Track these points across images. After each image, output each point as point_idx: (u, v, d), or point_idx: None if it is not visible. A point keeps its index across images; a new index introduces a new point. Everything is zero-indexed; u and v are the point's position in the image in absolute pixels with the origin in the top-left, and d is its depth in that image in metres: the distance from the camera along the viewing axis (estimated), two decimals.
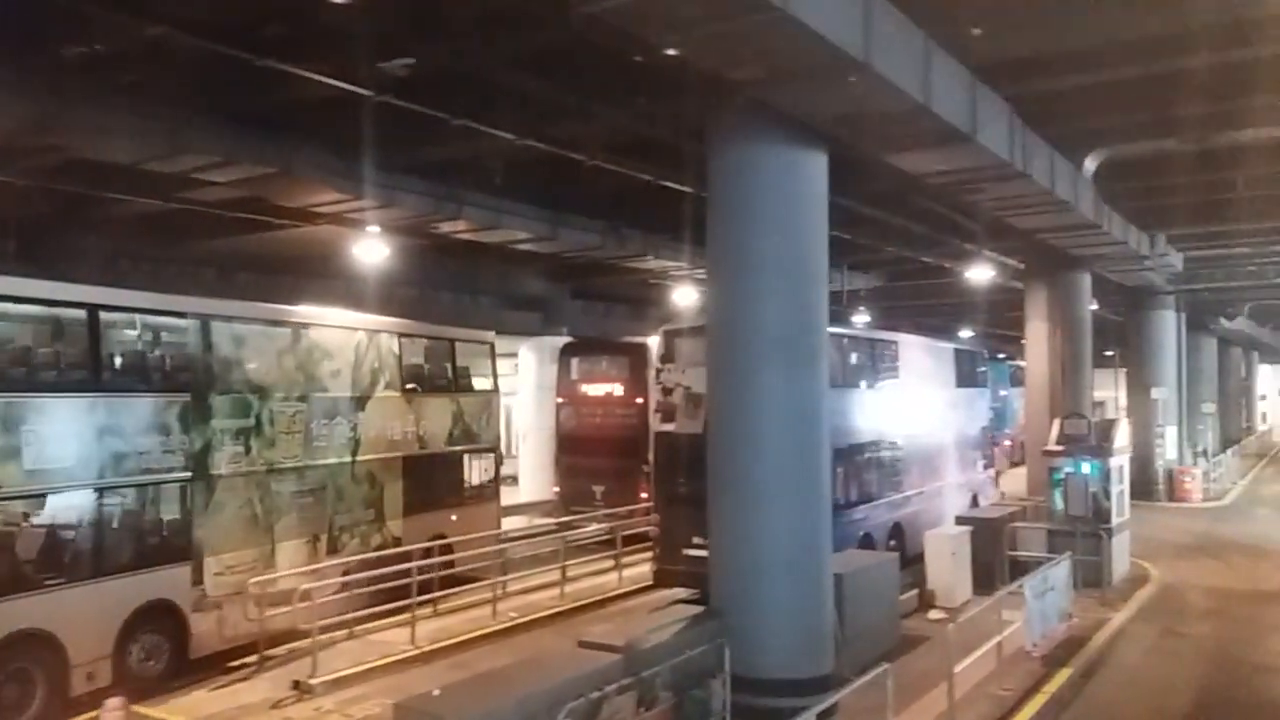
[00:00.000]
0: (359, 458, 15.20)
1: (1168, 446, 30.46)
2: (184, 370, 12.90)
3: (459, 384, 18.17)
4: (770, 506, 10.45)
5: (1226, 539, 23.28)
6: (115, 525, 11.86)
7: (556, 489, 23.71)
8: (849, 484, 17.23)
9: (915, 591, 15.84)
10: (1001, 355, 42.73)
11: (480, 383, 18.80)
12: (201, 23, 9.62)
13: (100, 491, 11.55)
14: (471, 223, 16.85)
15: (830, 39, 7.57)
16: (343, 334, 15.40)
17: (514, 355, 29.05)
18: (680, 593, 15.52)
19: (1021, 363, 27.48)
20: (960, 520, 17.94)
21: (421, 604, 14.47)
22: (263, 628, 12.82)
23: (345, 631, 13.97)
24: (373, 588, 14.49)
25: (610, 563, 18.23)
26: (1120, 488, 17.66)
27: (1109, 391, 37.76)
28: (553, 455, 24.28)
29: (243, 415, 13.23)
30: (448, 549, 16.26)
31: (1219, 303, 35.40)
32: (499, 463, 18.94)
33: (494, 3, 9.86)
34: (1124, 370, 33.32)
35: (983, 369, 25.08)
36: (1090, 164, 15.58)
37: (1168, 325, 30.95)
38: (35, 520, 11.27)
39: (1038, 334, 21.79)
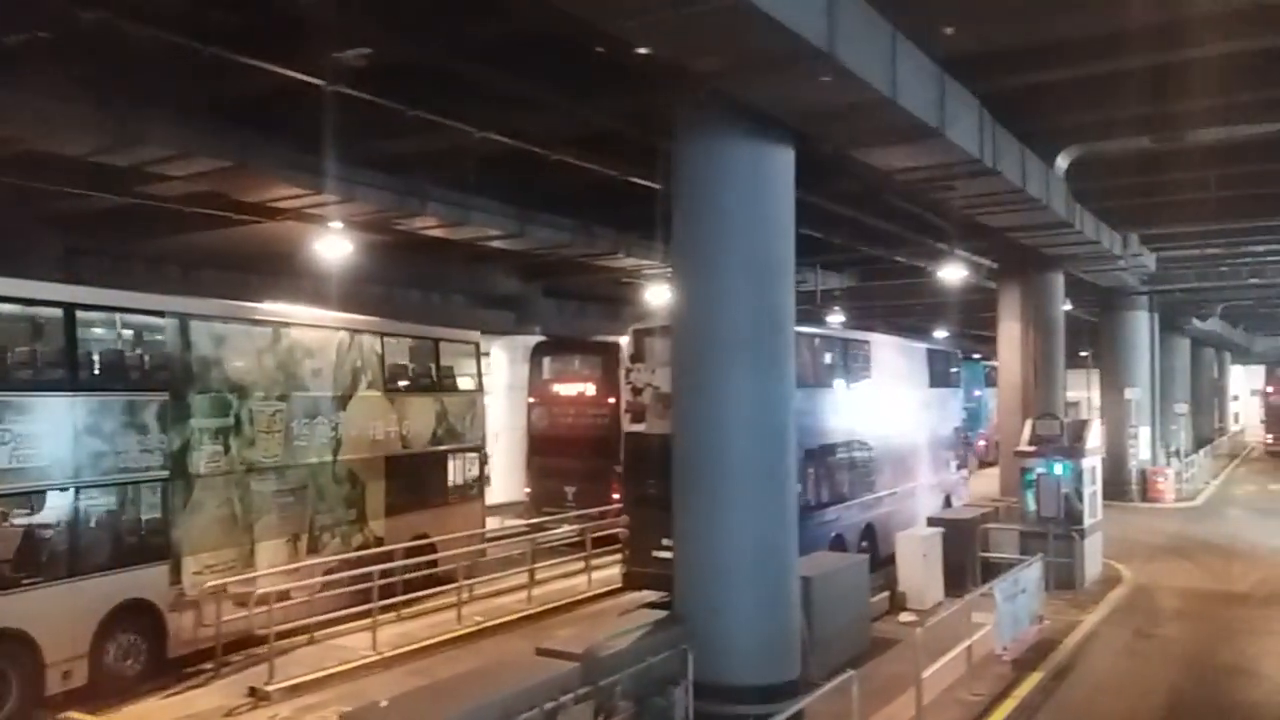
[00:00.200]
0: (340, 457, 15.14)
1: (1141, 447, 30.54)
2: (162, 369, 12.85)
3: (443, 384, 18.12)
4: (735, 509, 10.23)
5: (1198, 539, 23.31)
6: (92, 524, 11.83)
7: (528, 490, 23.43)
8: (820, 485, 17.12)
9: (886, 594, 15.71)
10: (977, 356, 42.79)
11: (465, 382, 18.74)
12: (142, 8, 9.28)
13: (76, 491, 11.51)
14: (436, 219, 16.54)
15: (792, 28, 7.35)
16: (324, 333, 15.36)
17: (486, 354, 28.73)
18: (649, 595, 15.34)
19: (996, 363, 27.45)
20: (932, 521, 17.81)
21: (384, 609, 14.16)
22: (219, 630, 12.64)
23: (306, 636, 13.69)
24: (332, 591, 14.25)
25: (581, 565, 17.97)
26: (1092, 489, 17.58)
27: (1083, 392, 37.85)
28: (524, 456, 23.98)
29: (222, 414, 13.19)
30: (431, 549, 16.30)
31: (1192, 303, 35.52)
32: (484, 462, 18.86)
33: None
34: (1098, 371, 33.37)
35: (956, 369, 25.01)
36: (1062, 162, 15.45)
37: (1141, 326, 31.02)
38: (11, 519, 11.38)
39: (1010, 334, 21.70)
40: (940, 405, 23.11)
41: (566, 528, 19.47)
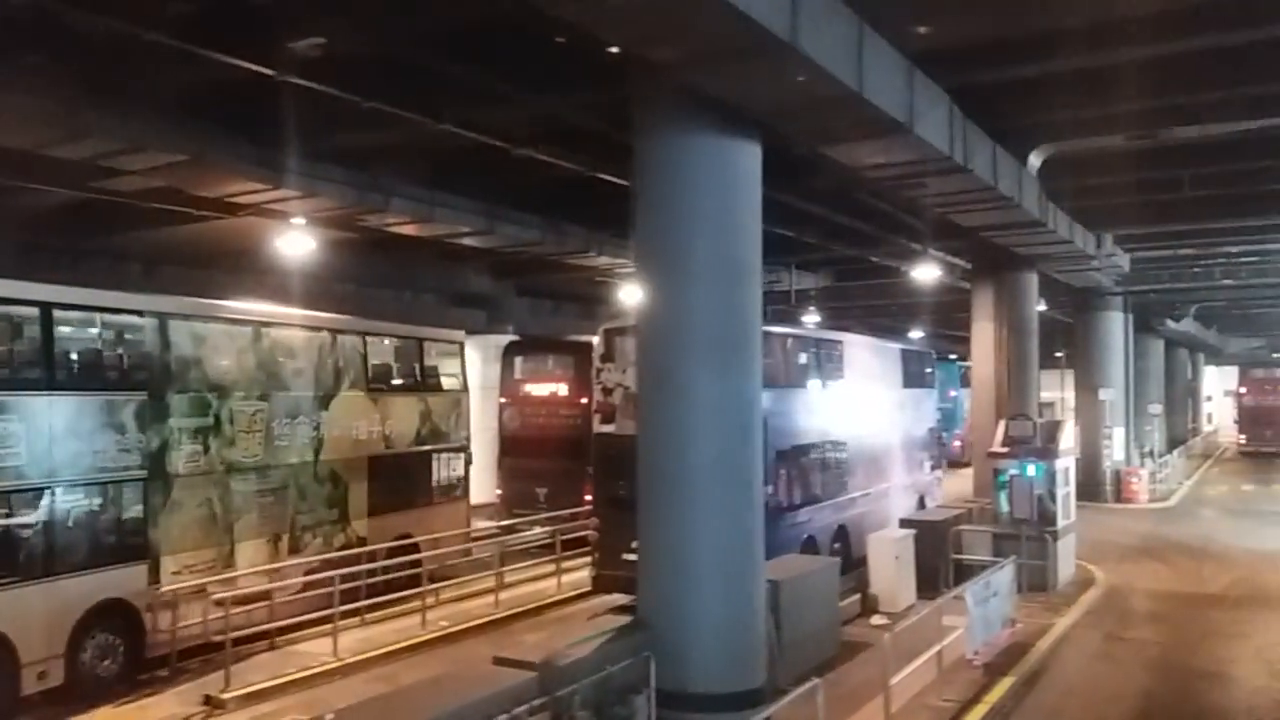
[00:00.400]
0: (322, 457, 15.09)
1: (1115, 447, 30.59)
2: (141, 369, 12.84)
3: (427, 383, 18.10)
4: (700, 512, 10.00)
5: (1172, 540, 23.30)
6: (69, 524, 11.74)
7: (499, 491, 23.15)
8: (792, 486, 17.00)
9: (858, 596, 15.55)
10: (953, 356, 42.81)
11: (449, 382, 18.70)
12: None
13: (53, 490, 11.46)
14: (400, 215, 16.20)
15: (753, 17, 7.09)
16: (305, 333, 15.38)
17: None
18: (619, 599, 15.11)
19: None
20: (904, 523, 17.70)
21: (347, 613, 13.94)
22: (174, 635, 12.44)
23: (267, 642, 13.43)
24: (297, 596, 14.01)
25: (552, 567, 17.72)
26: (1065, 490, 17.48)
27: (1059, 393, 37.93)
28: (496, 457, 23.70)
29: (201, 414, 13.17)
30: (414, 549, 16.31)
31: (1166, 304, 35.66)
32: (468, 463, 18.75)
33: None
34: (1072, 371, 33.42)
35: (931, 370, 24.94)
36: (1035, 160, 15.31)
37: (1115, 326, 31.09)
38: None
39: (984, 334, 21.58)
40: (914, 406, 23.05)
41: (538, 530, 19.21)
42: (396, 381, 17.47)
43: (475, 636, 14.68)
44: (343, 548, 15.21)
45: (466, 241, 19.17)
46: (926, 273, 22.33)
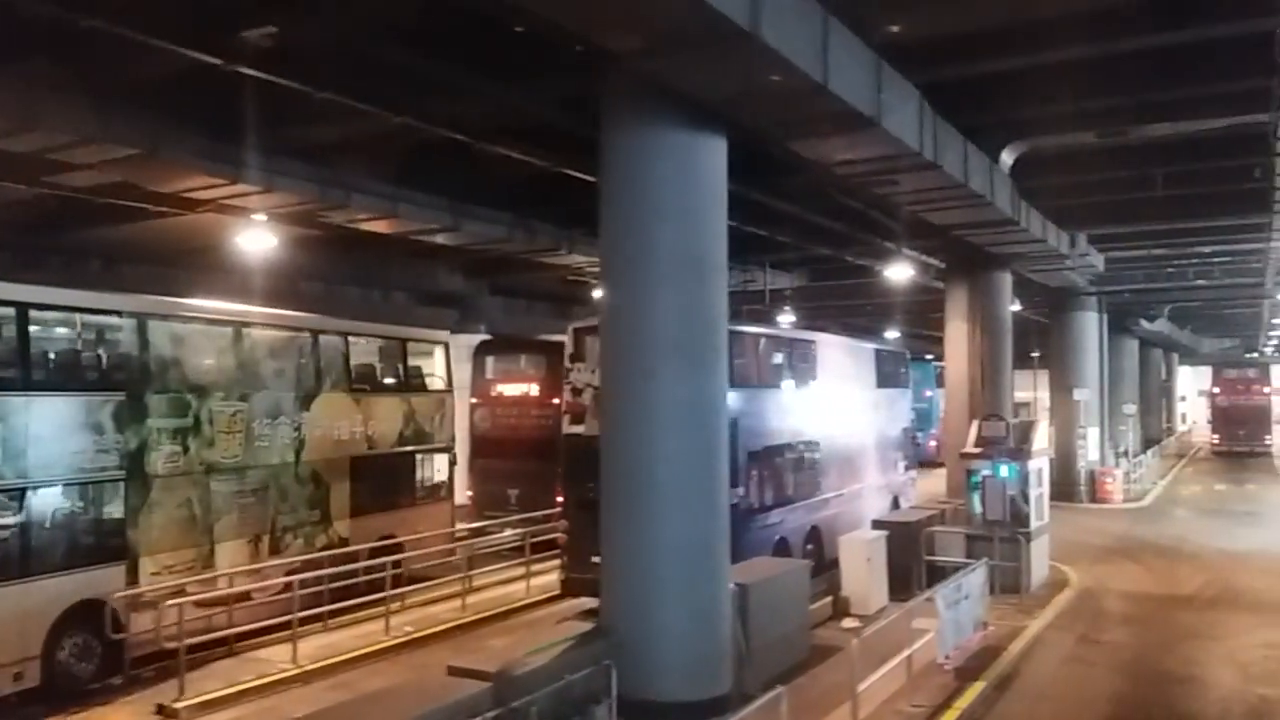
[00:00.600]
0: (304, 458, 15.06)
1: (1089, 447, 30.60)
2: (119, 369, 12.82)
3: (411, 384, 18.08)
4: (664, 515, 9.79)
5: (1145, 541, 23.28)
6: (46, 525, 11.72)
7: (469, 493, 22.87)
8: (763, 487, 16.82)
9: (829, 599, 15.37)
10: (929, 357, 42.80)
11: (433, 382, 18.68)
12: None
13: (29, 490, 11.44)
14: (363, 211, 15.85)
15: (711, 4, 6.85)
16: (286, 333, 15.44)
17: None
18: (588, 603, 14.80)
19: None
20: (877, 524, 17.52)
21: (306, 619, 13.60)
22: (127, 640, 12.12)
23: (226, 648, 13.11)
24: (255, 601, 13.73)
25: (522, 570, 17.48)
26: (1039, 491, 17.35)
27: (1035, 393, 37.96)
28: (467, 458, 23.42)
29: (180, 415, 13.14)
30: (398, 549, 16.30)
31: (1140, 304, 35.73)
32: (453, 463, 18.76)
33: None
34: (1047, 372, 33.44)
35: (905, 370, 24.82)
36: (1007, 157, 15.14)
37: (1090, 326, 31.10)
38: None
39: (957, 334, 21.43)
40: (888, 406, 22.93)
41: (509, 532, 18.95)
42: (380, 382, 17.46)
43: (441, 642, 14.39)
44: (324, 548, 15.15)
45: (434, 239, 18.84)
46: (900, 272, 22.19)
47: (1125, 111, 13.62)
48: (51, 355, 12.52)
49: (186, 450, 13.16)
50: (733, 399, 15.86)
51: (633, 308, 9.91)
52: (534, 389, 22.18)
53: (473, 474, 22.74)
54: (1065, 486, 29.28)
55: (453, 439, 18.92)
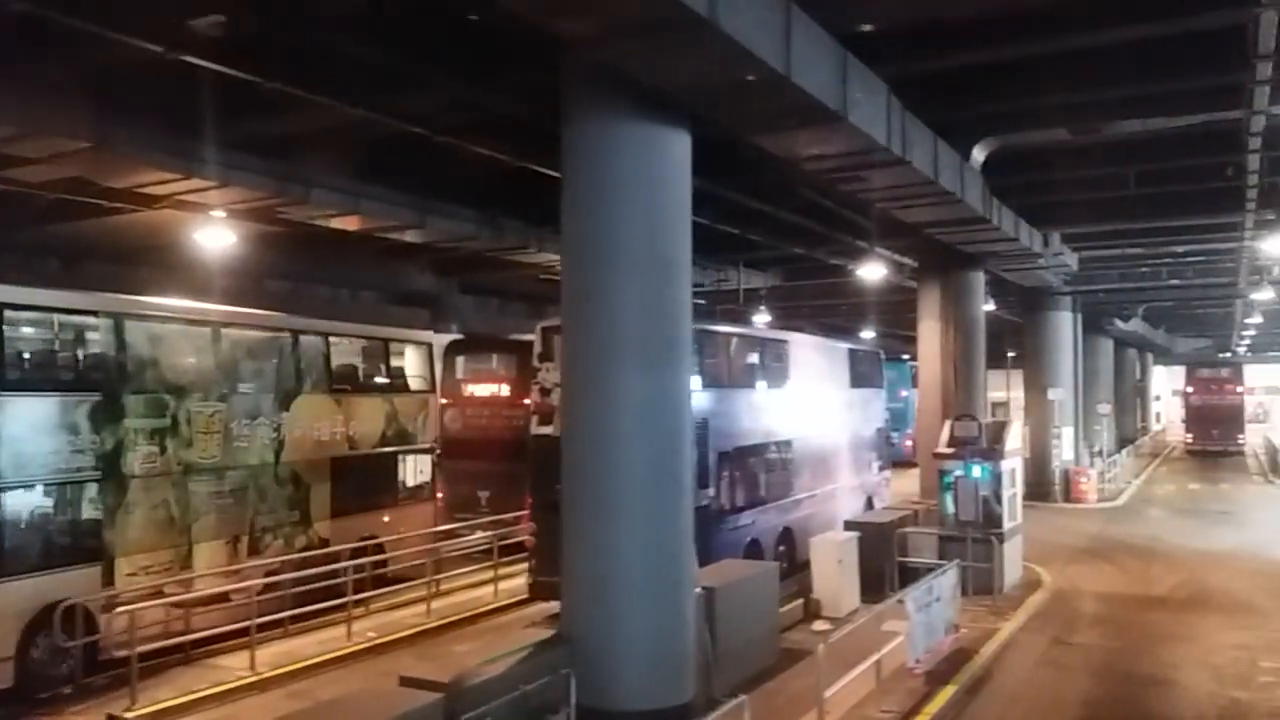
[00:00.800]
0: (283, 459, 15.03)
1: (1064, 447, 30.60)
2: (95, 369, 12.81)
3: (393, 384, 18.08)
4: (625, 518, 9.52)
5: (1119, 540, 23.23)
6: (19, 525, 11.70)
7: (440, 495, 22.56)
8: (735, 488, 16.65)
9: (800, 601, 15.17)
10: (905, 356, 42.76)
11: (416, 383, 18.63)
12: None
13: (2, 491, 11.40)
14: (323, 207, 15.50)
15: None
16: (265, 334, 15.44)
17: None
18: (557, 607, 14.51)
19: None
20: (849, 525, 17.32)
21: (265, 626, 13.31)
22: (78, 647, 11.75)
23: (181, 654, 12.82)
24: (215, 606, 13.40)
25: (490, 573, 17.21)
26: (1012, 491, 17.20)
27: (1011, 392, 38.00)
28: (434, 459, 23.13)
29: (157, 415, 13.10)
30: (379, 549, 16.42)
31: (1114, 304, 35.78)
32: (435, 464, 18.75)
33: None
34: (1021, 372, 33.44)
35: (879, 369, 24.68)
36: (979, 154, 14.95)
37: (1064, 326, 31.10)
38: None
39: (930, 333, 21.27)
40: (862, 406, 22.80)
41: (480, 534, 18.69)
42: (361, 383, 17.46)
43: (404, 648, 14.11)
44: (305, 549, 15.12)
45: (399, 236, 18.51)
46: (873, 271, 22.05)
47: (1097, 107, 13.46)
48: (26, 355, 12.43)
49: (164, 451, 13.13)
50: (703, 399, 15.77)
51: (594, 304, 9.64)
52: (505, 389, 21.85)
53: (442, 475, 22.46)
54: (1040, 486, 29.31)
55: (436, 439, 18.88)
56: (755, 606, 12.55)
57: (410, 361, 18.78)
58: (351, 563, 14.99)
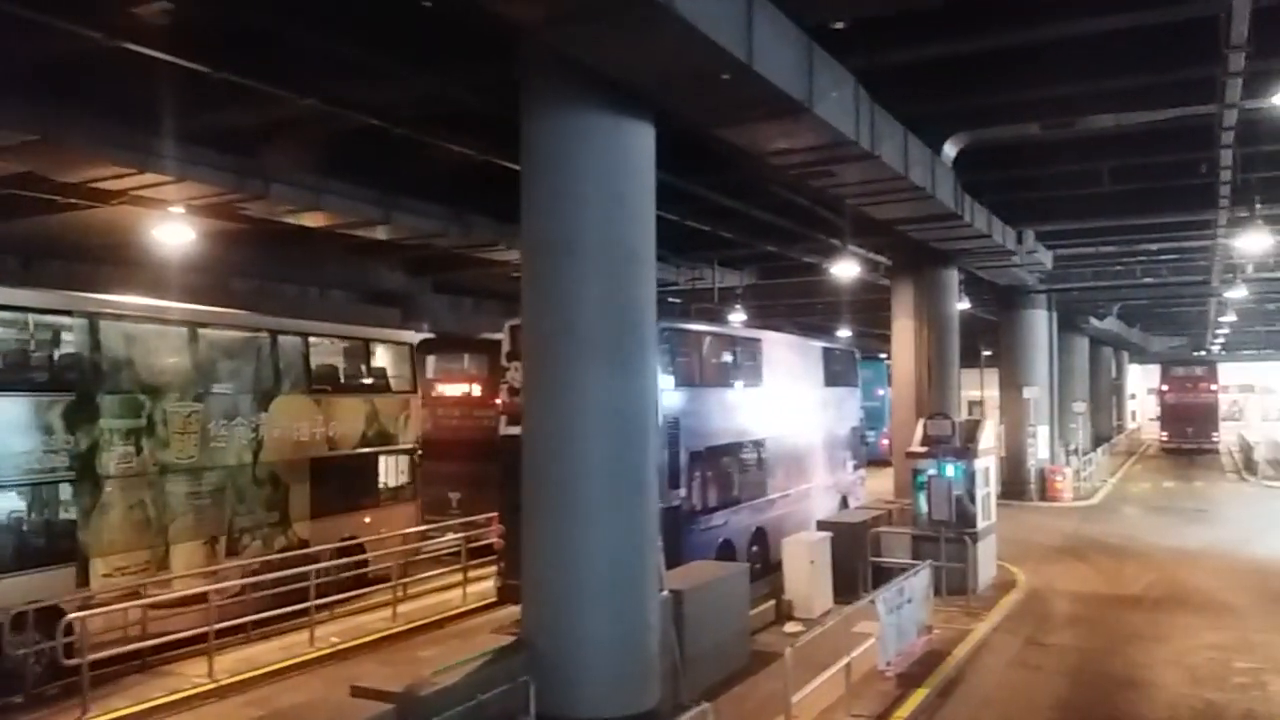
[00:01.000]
0: (262, 459, 14.95)
1: (1040, 446, 30.56)
2: (70, 369, 12.72)
3: (374, 385, 18.01)
4: (587, 521, 9.29)
5: (1094, 539, 23.17)
6: None
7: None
8: (707, 489, 16.45)
9: (773, 603, 14.98)
10: (882, 355, 42.70)
11: (397, 383, 18.51)
12: None
13: None
14: (284, 202, 15.12)
15: None
16: (243, 334, 15.36)
17: None
18: None
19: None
20: (821, 525, 17.14)
21: (225, 631, 13.08)
22: (31, 653, 11.36)
23: (139, 661, 12.46)
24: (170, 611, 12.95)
25: (459, 576, 16.94)
26: (985, 490, 17.06)
27: (986, 391, 37.96)
28: None
29: (133, 415, 13.00)
30: (359, 550, 16.46)
31: (1089, 302, 35.81)
32: (417, 465, 18.61)
33: None
34: (997, 370, 33.39)
35: (854, 368, 24.54)
36: (950, 149, 14.77)
37: (1040, 324, 31.08)
38: None
39: (904, 332, 21.13)
40: (837, 405, 22.66)
41: (451, 536, 18.42)
42: (341, 383, 17.39)
43: (369, 653, 13.81)
44: (284, 550, 15.04)
45: (364, 233, 18.17)
46: (847, 269, 21.85)
47: (1069, 102, 13.30)
48: None
49: (140, 451, 13.02)
50: (675, 398, 15.56)
51: (554, 301, 9.40)
52: (476, 389, 21.63)
53: None
54: (1015, 485, 29.28)
55: (418, 440, 18.73)
56: (725, 609, 12.34)
57: (391, 362, 18.66)
58: (314, 566, 14.65)
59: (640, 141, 9.41)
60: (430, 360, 22.42)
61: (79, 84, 11.44)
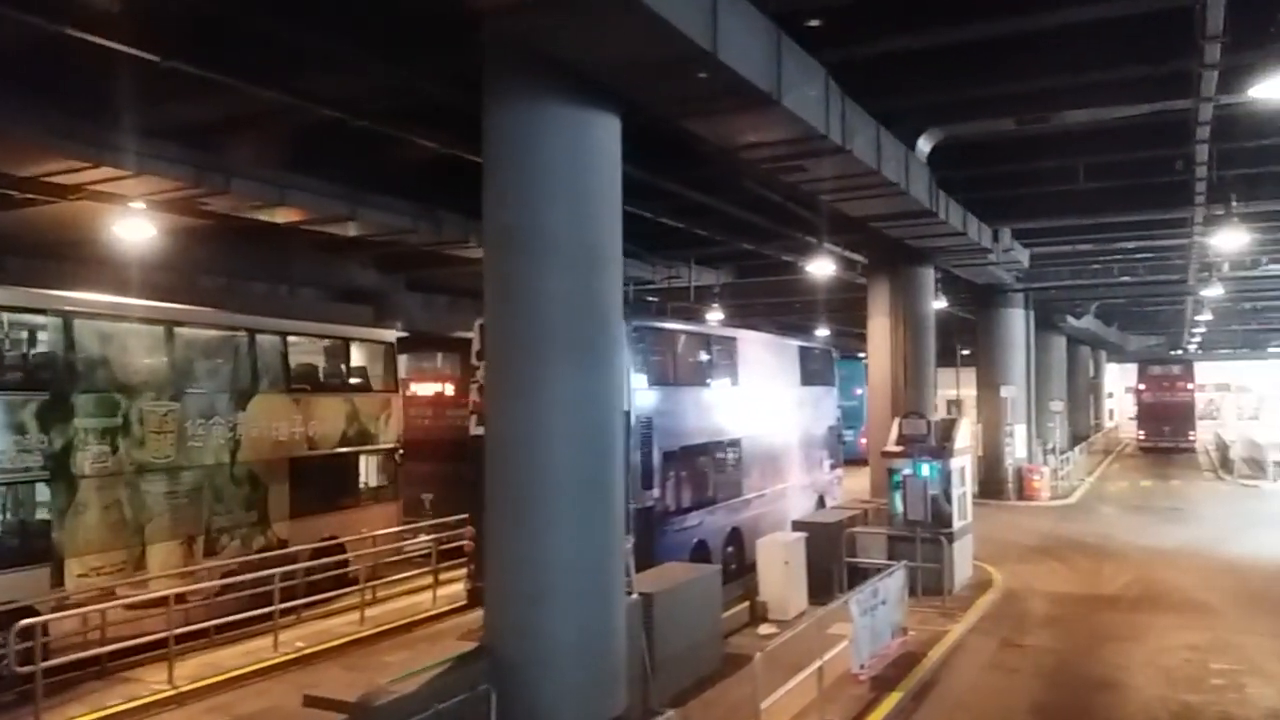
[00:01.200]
0: (239, 459, 14.90)
1: (1017, 445, 30.51)
2: (44, 368, 12.65)
3: (354, 384, 17.97)
4: (551, 523, 9.00)
5: (1071, 539, 23.11)
6: None
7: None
8: (681, 489, 16.27)
9: (747, 604, 14.78)
10: (861, 355, 42.60)
11: (377, 383, 18.49)
12: None
13: None
14: (246, 198, 14.77)
15: None
16: (220, 332, 15.34)
17: None
18: None
19: None
20: (796, 526, 16.97)
21: (184, 638, 12.78)
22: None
23: (98, 667, 12.15)
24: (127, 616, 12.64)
25: (429, 579, 16.68)
26: (961, 490, 16.91)
27: (963, 390, 37.94)
28: None
29: (108, 414, 12.94)
30: (340, 549, 16.43)
31: (1067, 301, 35.81)
32: (398, 464, 18.59)
33: None
34: (974, 369, 33.36)
35: (831, 367, 24.37)
36: (924, 145, 14.58)
37: (1017, 323, 31.03)
38: None
39: (880, 330, 20.96)
40: (814, 404, 22.50)
41: (424, 537, 18.15)
42: (321, 382, 17.31)
43: (334, 658, 13.58)
44: (262, 550, 14.99)
45: (332, 230, 17.84)
46: (823, 267, 21.70)
47: (1044, 96, 13.13)
48: None
49: (115, 450, 12.94)
50: (648, 398, 15.34)
51: (516, 298, 9.12)
52: (449, 388, 21.37)
53: None
54: (993, 484, 29.26)
55: (399, 439, 18.63)
56: (697, 611, 12.14)
57: (371, 360, 18.55)
58: (288, 567, 14.47)
59: (606, 134, 9.16)
60: (402, 359, 22.14)
61: (30, 74, 11.07)
